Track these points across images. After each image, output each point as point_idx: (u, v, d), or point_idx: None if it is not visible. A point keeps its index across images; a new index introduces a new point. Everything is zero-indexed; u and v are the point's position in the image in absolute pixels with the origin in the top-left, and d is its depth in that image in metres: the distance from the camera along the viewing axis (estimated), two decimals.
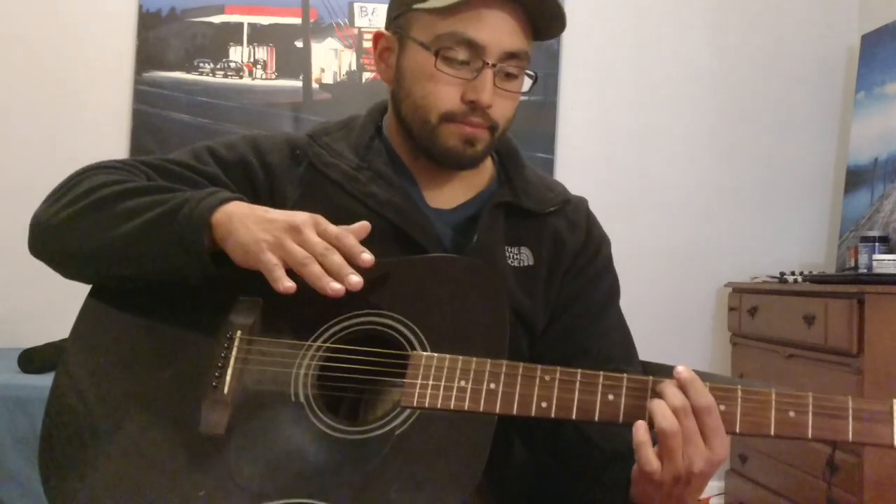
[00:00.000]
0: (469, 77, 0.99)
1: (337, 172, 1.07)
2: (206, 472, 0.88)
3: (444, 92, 1.00)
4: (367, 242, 0.93)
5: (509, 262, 1.06)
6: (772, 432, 0.82)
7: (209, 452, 0.88)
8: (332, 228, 0.90)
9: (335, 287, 0.86)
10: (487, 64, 0.98)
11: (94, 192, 0.97)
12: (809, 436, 0.81)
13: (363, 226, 0.94)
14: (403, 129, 1.07)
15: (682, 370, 0.84)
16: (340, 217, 1.01)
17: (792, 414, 0.82)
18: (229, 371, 0.90)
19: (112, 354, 0.97)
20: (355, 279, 0.87)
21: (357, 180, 1.06)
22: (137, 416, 0.92)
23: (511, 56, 1.00)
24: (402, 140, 1.09)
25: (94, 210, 0.96)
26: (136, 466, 0.89)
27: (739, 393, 0.83)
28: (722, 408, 0.83)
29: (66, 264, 1.00)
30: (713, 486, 2.89)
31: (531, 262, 1.07)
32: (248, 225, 0.90)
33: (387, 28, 1.08)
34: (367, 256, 0.89)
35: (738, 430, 0.83)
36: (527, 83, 1.05)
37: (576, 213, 1.13)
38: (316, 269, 0.87)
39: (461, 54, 0.99)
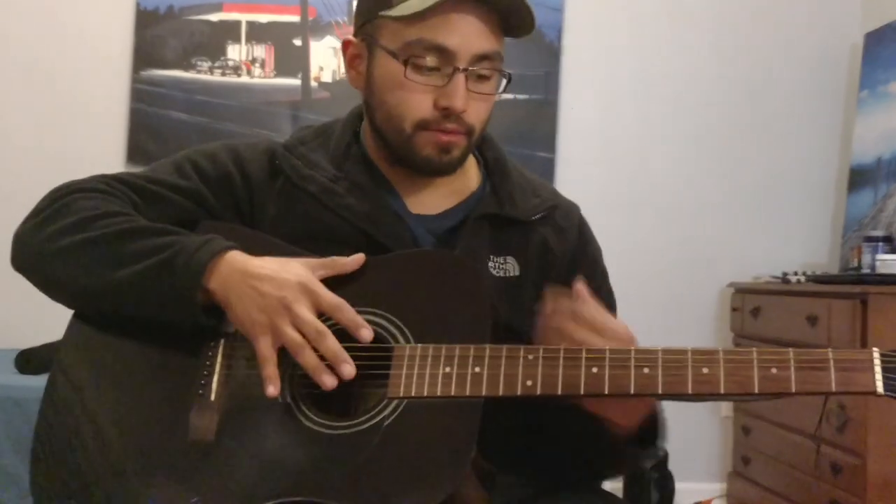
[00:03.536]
0: (440, 83, 0.98)
1: (314, 185, 1.05)
2: (198, 478, 0.88)
3: (416, 100, 0.99)
4: (346, 254, 0.94)
5: (493, 272, 1.05)
6: (756, 390, 0.82)
7: (200, 459, 0.89)
8: (327, 299, 0.90)
9: (329, 383, 0.88)
10: (458, 69, 0.97)
11: (88, 224, 0.96)
12: (793, 390, 0.82)
13: (357, 259, 0.94)
14: (379, 137, 1.06)
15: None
16: (318, 231, 1.02)
17: (774, 370, 0.82)
18: (215, 377, 0.91)
19: (100, 367, 0.97)
20: (348, 369, 0.88)
21: (334, 192, 1.05)
22: (127, 426, 0.93)
23: (482, 58, 0.99)
24: (378, 147, 1.08)
25: (91, 247, 0.95)
26: (127, 477, 0.90)
27: (721, 355, 0.84)
28: (705, 370, 0.84)
29: (51, 291, 1.00)
30: (715, 488, 2.89)
31: (516, 273, 1.06)
32: (244, 300, 0.90)
33: (355, 35, 1.06)
34: (365, 333, 0.89)
35: (722, 391, 0.84)
36: (510, 85, 1.03)
37: (565, 219, 1.12)
38: (310, 358, 0.88)
39: (431, 61, 0.97)
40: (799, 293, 2.43)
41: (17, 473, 1.99)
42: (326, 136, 1.11)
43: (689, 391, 0.83)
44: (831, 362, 0.81)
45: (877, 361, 0.81)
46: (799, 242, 2.98)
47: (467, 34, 0.97)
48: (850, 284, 2.24)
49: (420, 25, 0.97)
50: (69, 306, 1.01)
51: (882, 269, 2.31)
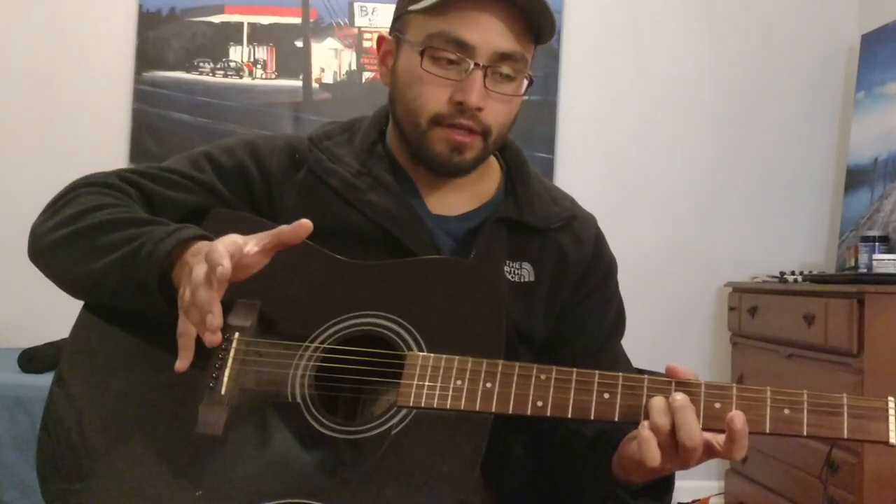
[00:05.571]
0: (458, 78, 0.98)
1: (336, 179, 1.05)
2: (203, 472, 0.88)
3: (433, 94, 0.99)
4: (363, 252, 0.93)
5: (509, 276, 1.05)
6: (767, 430, 0.81)
7: (207, 453, 0.88)
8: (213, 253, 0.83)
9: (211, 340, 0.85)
10: (478, 65, 0.97)
11: (79, 217, 0.97)
12: (805, 433, 0.80)
13: (298, 226, 0.86)
14: (399, 134, 1.07)
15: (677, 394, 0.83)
16: (337, 226, 1.02)
17: (787, 411, 0.81)
18: (227, 372, 0.90)
19: (109, 359, 0.97)
20: (210, 320, 0.83)
21: (356, 188, 1.05)
22: (135, 418, 0.93)
23: (504, 57, 0.98)
24: (400, 145, 1.08)
25: (76, 240, 0.96)
26: (133, 468, 0.90)
27: (734, 391, 0.83)
28: (717, 406, 0.83)
29: (56, 282, 1.01)
30: (713, 486, 2.90)
31: (531, 279, 1.06)
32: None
33: (390, 32, 1.07)
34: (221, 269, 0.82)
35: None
36: (526, 88, 1.02)
37: (582, 230, 1.12)
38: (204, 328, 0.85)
39: (450, 54, 0.97)
40: (796, 293, 2.43)
41: (19, 472, 1.99)
42: (352, 133, 1.11)
43: (700, 425, 0.82)
44: (845, 408, 0.80)
45: (891, 411, 0.79)
46: (796, 242, 3.00)
47: (489, 31, 0.97)
48: (846, 284, 2.25)
49: (442, 18, 0.97)
50: (76, 298, 1.02)
51: (879, 268, 2.33)
